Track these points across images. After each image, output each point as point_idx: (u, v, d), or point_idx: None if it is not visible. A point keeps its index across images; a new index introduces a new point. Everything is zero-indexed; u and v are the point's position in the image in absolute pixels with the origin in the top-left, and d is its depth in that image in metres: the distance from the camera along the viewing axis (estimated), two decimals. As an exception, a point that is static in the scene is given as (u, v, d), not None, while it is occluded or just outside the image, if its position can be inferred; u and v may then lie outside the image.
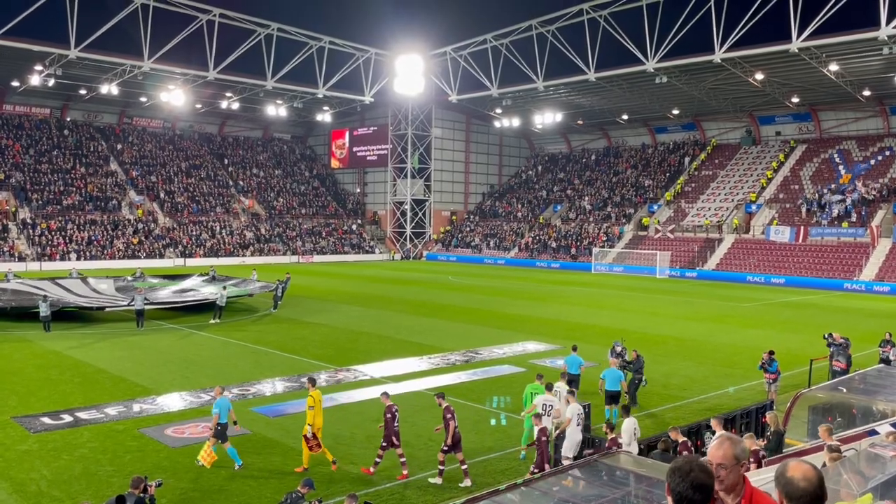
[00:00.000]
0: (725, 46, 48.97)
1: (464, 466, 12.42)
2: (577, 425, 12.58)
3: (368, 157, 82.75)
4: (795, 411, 12.55)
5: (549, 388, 13.90)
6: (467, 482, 12.25)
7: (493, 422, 16.50)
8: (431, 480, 12.45)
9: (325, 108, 75.61)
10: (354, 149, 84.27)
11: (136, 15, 51.77)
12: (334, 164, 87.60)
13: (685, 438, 11.81)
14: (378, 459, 12.71)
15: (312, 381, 13.57)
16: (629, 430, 12.13)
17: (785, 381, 18.65)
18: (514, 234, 73.79)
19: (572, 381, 16.43)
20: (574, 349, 18.30)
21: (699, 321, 32.68)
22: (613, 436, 11.75)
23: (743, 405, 16.36)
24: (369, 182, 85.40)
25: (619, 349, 18.79)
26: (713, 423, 12.13)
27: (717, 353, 24.83)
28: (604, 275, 58.87)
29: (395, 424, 12.64)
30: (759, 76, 54.73)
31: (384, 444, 12.63)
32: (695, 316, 34.42)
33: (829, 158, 61.72)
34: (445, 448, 12.38)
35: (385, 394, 13.46)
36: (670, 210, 66.17)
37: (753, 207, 60.92)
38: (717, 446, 3.29)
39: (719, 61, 50.39)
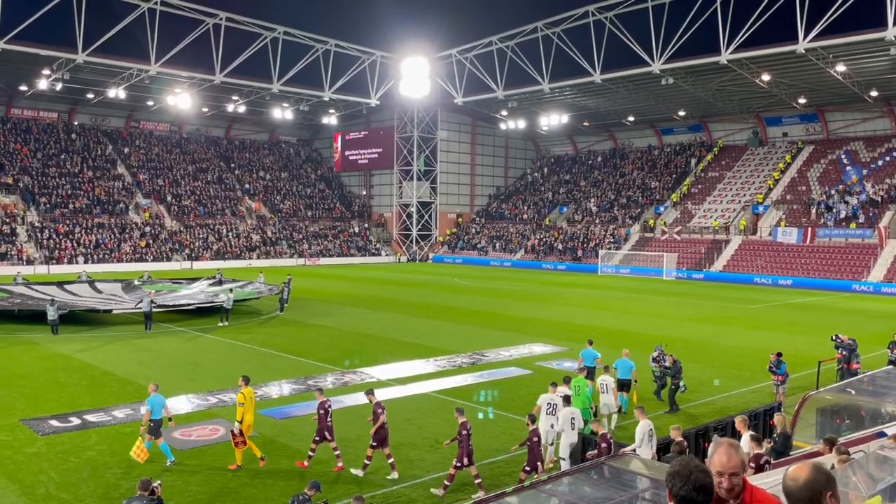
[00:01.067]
0: (732, 47, 48.83)
1: (390, 460, 12.83)
2: (548, 414, 12.98)
3: (373, 160, 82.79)
4: (803, 413, 12.48)
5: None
6: (395, 475, 12.70)
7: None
8: (353, 471, 12.76)
9: (331, 110, 75.77)
10: (359, 151, 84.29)
11: (143, 19, 51.97)
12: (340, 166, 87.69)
13: (681, 438, 11.81)
14: (311, 454, 13.12)
15: (246, 380, 13.89)
16: (566, 418, 12.81)
17: (793, 383, 18.57)
18: (519, 236, 73.72)
19: (588, 373, 16.98)
20: (590, 343, 19.03)
21: (706, 323, 32.57)
22: (535, 426, 12.08)
23: (751, 407, 16.32)
24: (375, 184, 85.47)
25: (656, 354, 18.88)
26: (738, 424, 11.70)
27: (724, 355, 24.73)
28: (610, 276, 58.75)
29: (329, 420, 13.14)
30: (766, 77, 54.55)
31: (317, 437, 13.12)
32: (702, 318, 34.31)
33: (837, 159, 61.43)
34: (374, 444, 12.73)
35: (319, 390, 14.02)
36: (677, 212, 66.00)
37: (760, 209, 60.70)
38: (725, 456, 3.26)
39: (725, 62, 50.22)
